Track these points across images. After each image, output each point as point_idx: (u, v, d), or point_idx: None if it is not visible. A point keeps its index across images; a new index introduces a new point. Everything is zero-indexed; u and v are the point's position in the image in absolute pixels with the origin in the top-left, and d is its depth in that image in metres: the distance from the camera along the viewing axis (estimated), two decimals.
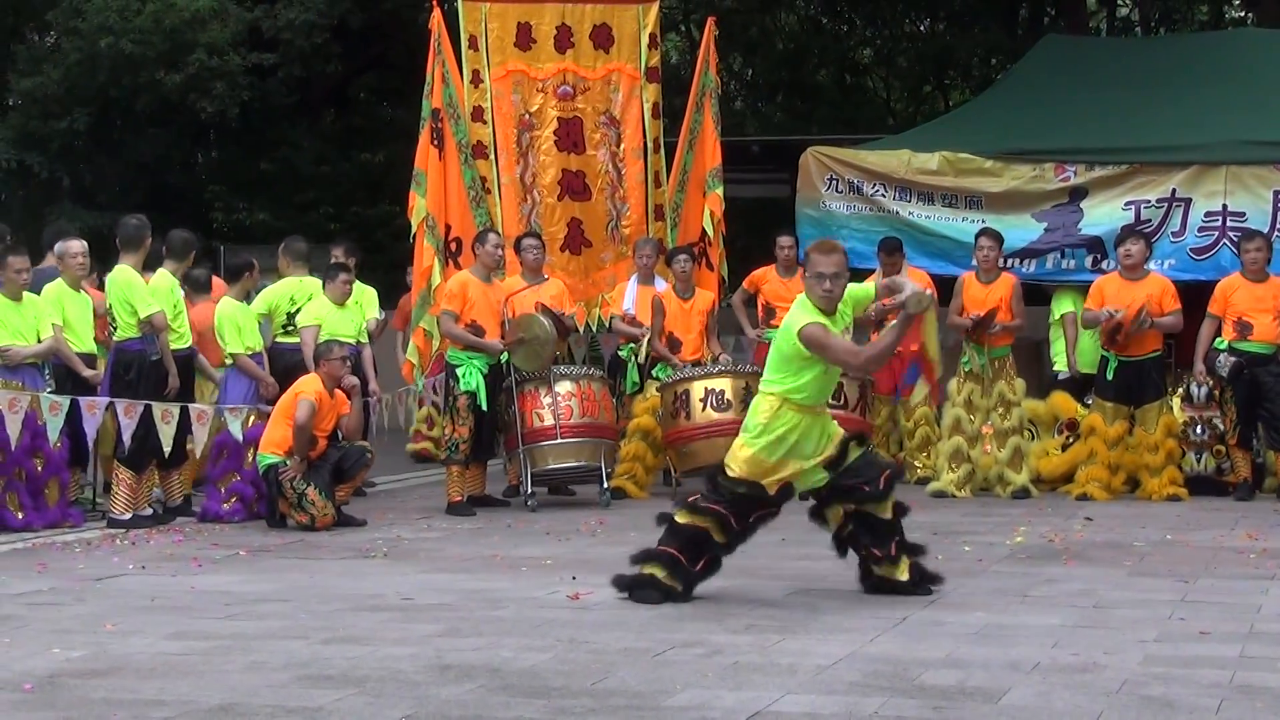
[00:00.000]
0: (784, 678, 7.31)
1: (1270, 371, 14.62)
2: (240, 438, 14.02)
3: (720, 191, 16.95)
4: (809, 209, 17.83)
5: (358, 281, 15.73)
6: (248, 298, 15.17)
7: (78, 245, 13.86)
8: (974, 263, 15.61)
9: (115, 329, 13.52)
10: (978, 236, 15.68)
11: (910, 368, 15.88)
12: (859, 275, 16.80)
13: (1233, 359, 14.63)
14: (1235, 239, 15.64)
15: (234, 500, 13.81)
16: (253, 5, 24.66)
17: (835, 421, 9.87)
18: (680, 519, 9.53)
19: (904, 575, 9.62)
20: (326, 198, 26.60)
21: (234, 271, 15.27)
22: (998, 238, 15.58)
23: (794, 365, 9.41)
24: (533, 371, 14.47)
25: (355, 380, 14.09)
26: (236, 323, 14.57)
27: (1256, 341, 14.64)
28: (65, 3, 23.69)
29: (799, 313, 9.47)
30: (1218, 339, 14.77)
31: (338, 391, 13.62)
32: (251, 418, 14.12)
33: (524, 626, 8.60)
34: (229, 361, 14.54)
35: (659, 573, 9.38)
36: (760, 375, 14.99)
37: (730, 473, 9.55)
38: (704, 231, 16.91)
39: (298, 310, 15.23)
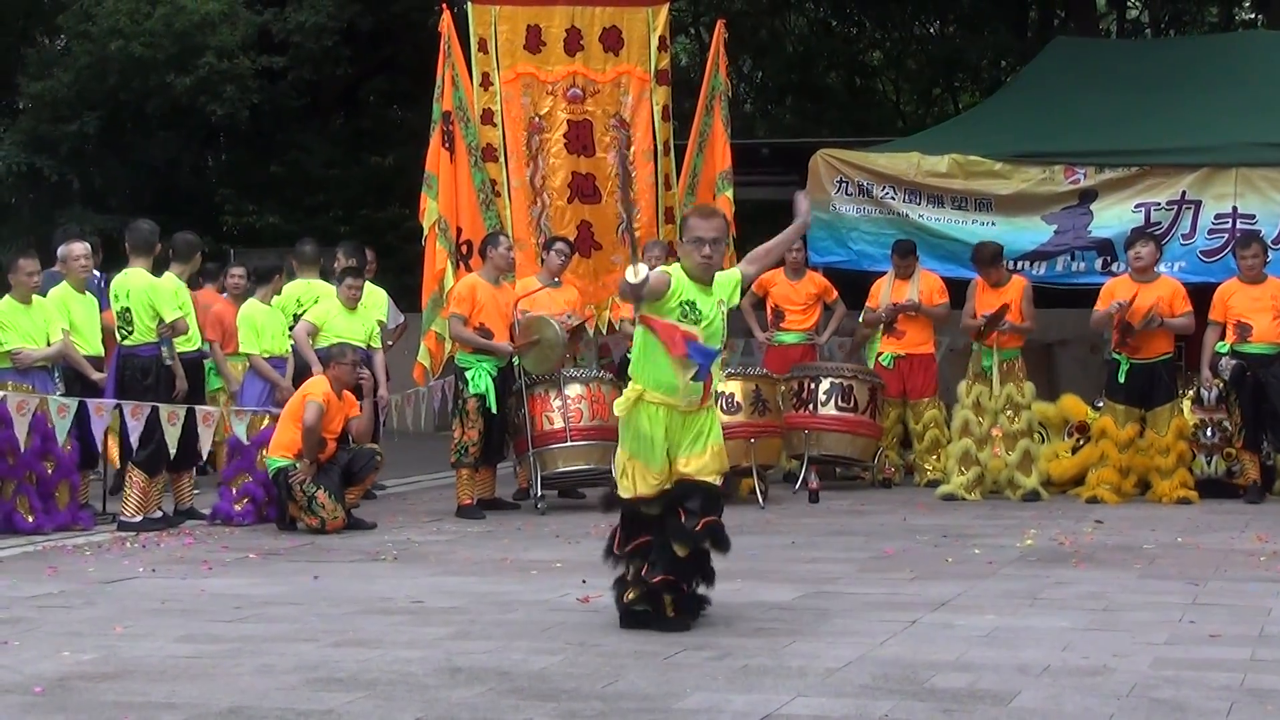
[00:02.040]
0: (794, 680, 7.31)
1: (1273, 373, 14.61)
2: (245, 440, 14.04)
3: (730, 194, 16.96)
4: (819, 211, 17.75)
5: (369, 284, 15.74)
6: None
7: (80, 247, 13.88)
8: None
9: (130, 332, 13.50)
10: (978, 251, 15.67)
11: None
12: (869, 278, 16.95)
13: (1234, 362, 14.63)
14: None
15: (245, 501, 13.81)
16: (262, 8, 24.69)
17: (718, 426, 8.98)
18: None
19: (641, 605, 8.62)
20: (336, 200, 26.62)
21: (263, 275, 15.31)
22: (996, 253, 15.54)
23: (649, 348, 8.71)
24: (542, 374, 14.47)
25: (368, 372, 14.09)
26: (255, 325, 14.60)
27: (1257, 343, 14.63)
28: (75, 6, 23.72)
29: (663, 267, 8.91)
30: (1219, 343, 14.76)
31: (346, 393, 13.62)
32: (265, 420, 14.11)
33: (534, 629, 8.60)
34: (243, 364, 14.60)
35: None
36: (769, 378, 15.14)
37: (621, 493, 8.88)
38: None
39: (305, 313, 15.24)
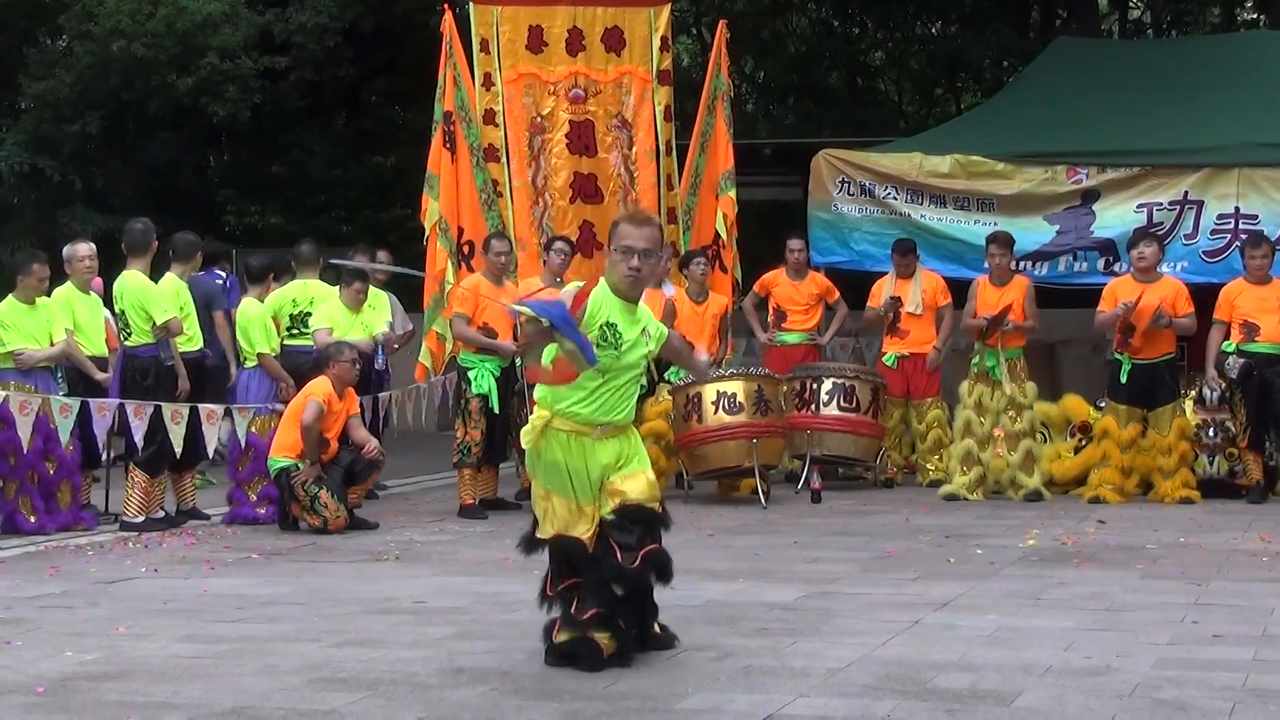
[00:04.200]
0: (796, 681, 7.31)
1: (1279, 373, 14.61)
2: (244, 439, 14.04)
3: (733, 194, 16.95)
4: (821, 212, 17.84)
5: (374, 289, 15.75)
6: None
7: (85, 248, 13.90)
8: (986, 265, 15.59)
9: (128, 334, 13.54)
10: (988, 242, 15.64)
11: None
12: (871, 277, 16.95)
13: (1242, 361, 14.61)
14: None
15: (267, 504, 13.83)
16: (264, 9, 24.67)
17: (645, 453, 8.08)
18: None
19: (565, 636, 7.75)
20: (338, 201, 26.61)
21: (256, 274, 15.30)
22: (1008, 243, 15.53)
23: None
24: None
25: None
26: (264, 325, 14.61)
27: (1264, 343, 14.61)
28: (77, 7, 23.69)
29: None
30: (1225, 342, 14.75)
31: (349, 391, 13.63)
32: (273, 420, 14.10)
33: (536, 630, 8.55)
34: (249, 362, 14.59)
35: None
36: (772, 378, 15.14)
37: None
38: (717, 234, 16.93)
39: (301, 314, 15.23)
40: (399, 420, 17.00)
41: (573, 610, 7.71)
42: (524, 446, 7.90)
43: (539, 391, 7.84)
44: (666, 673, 7.47)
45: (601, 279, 7.82)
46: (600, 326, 7.60)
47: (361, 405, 14.14)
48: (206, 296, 15.37)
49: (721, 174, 17.01)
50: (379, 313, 15.63)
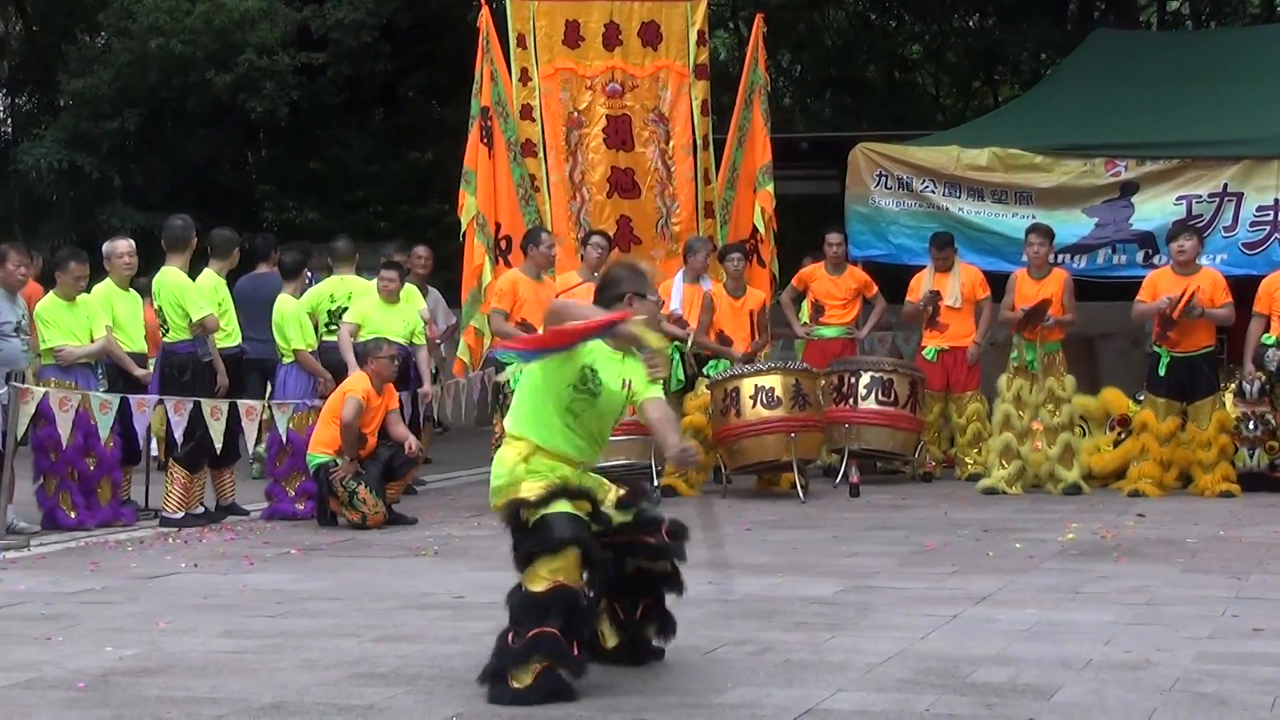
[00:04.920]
0: (835, 675, 7.30)
1: None
2: (283, 435, 14.07)
3: (771, 188, 16.92)
4: (858, 205, 17.83)
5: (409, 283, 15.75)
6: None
7: (124, 245, 13.94)
8: (1024, 259, 15.55)
9: (166, 330, 13.59)
10: (1028, 233, 15.62)
11: None
12: (908, 271, 16.92)
13: None
14: None
15: (305, 500, 13.86)
16: (301, 5, 24.71)
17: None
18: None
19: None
20: (376, 196, 26.65)
21: (290, 269, 15.31)
22: (1048, 233, 15.52)
23: (538, 395, 7.40)
24: None
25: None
26: (299, 320, 14.63)
27: None
28: (116, 4, 23.77)
29: None
30: (1265, 335, 14.68)
31: (387, 387, 13.65)
32: (311, 416, 14.12)
33: None
34: (286, 358, 14.62)
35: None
36: (810, 372, 15.12)
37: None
38: (755, 228, 16.91)
39: (338, 309, 15.26)
40: (438, 412, 16.98)
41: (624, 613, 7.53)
42: (500, 493, 7.36)
43: (516, 418, 7.41)
44: (705, 667, 7.47)
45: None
46: (581, 368, 7.29)
47: (401, 401, 14.16)
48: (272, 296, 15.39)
49: (759, 168, 16.98)
50: (413, 305, 15.58)
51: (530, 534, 7.12)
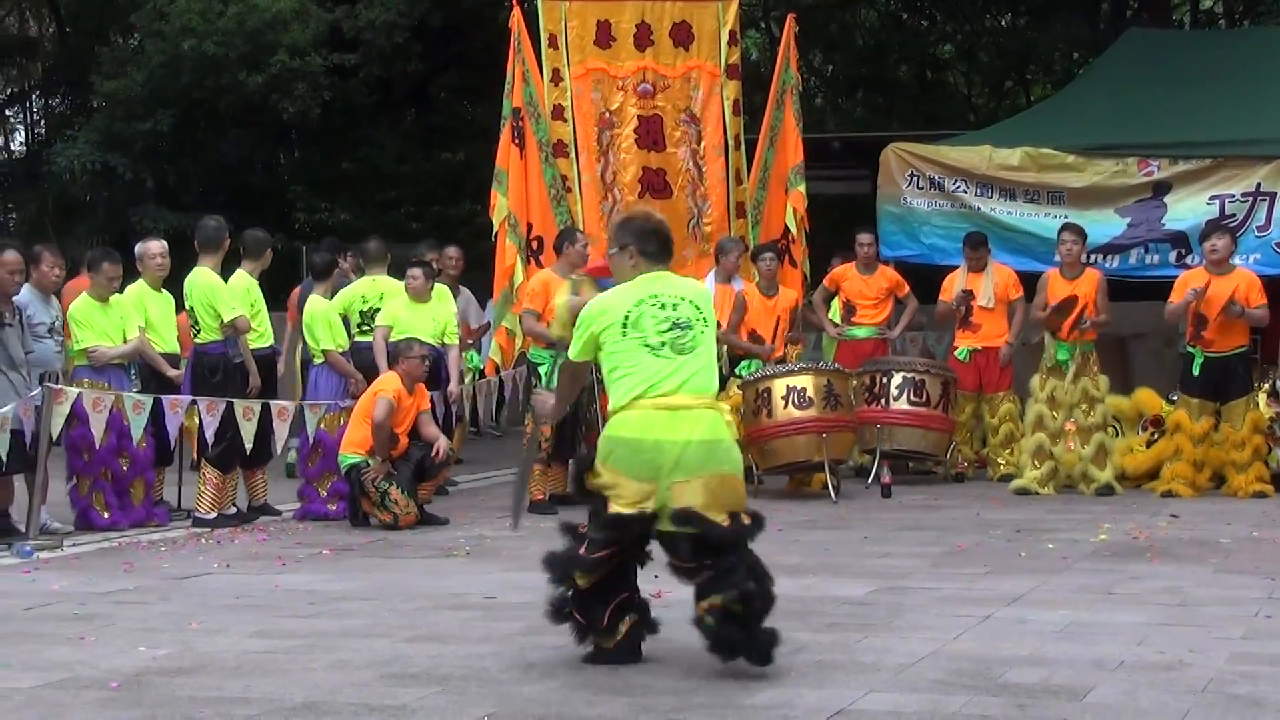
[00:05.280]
0: (866, 676, 7.30)
1: None
2: (311, 436, 14.11)
3: (803, 189, 16.92)
4: (890, 205, 17.80)
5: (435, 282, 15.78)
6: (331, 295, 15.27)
7: (157, 245, 13.98)
8: (1057, 258, 15.52)
9: (198, 331, 13.63)
10: (1060, 231, 15.60)
11: None
12: (942, 271, 16.89)
13: None
14: None
15: (337, 501, 13.88)
16: (333, 6, 24.76)
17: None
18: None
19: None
20: (408, 197, 26.68)
21: (320, 271, 15.35)
22: (1080, 232, 15.49)
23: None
24: None
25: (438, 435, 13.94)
26: (328, 321, 14.65)
27: None
28: (149, 5, 23.84)
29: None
30: None
31: (419, 387, 13.67)
32: (342, 417, 14.15)
33: None
34: (317, 359, 14.66)
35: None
36: (841, 372, 15.11)
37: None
38: (786, 228, 16.91)
39: (370, 310, 15.29)
40: (469, 414, 16.99)
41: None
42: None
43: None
44: (736, 668, 7.44)
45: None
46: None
47: (433, 400, 14.18)
48: None
49: (791, 168, 16.97)
50: (445, 305, 15.58)
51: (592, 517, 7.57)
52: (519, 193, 16.02)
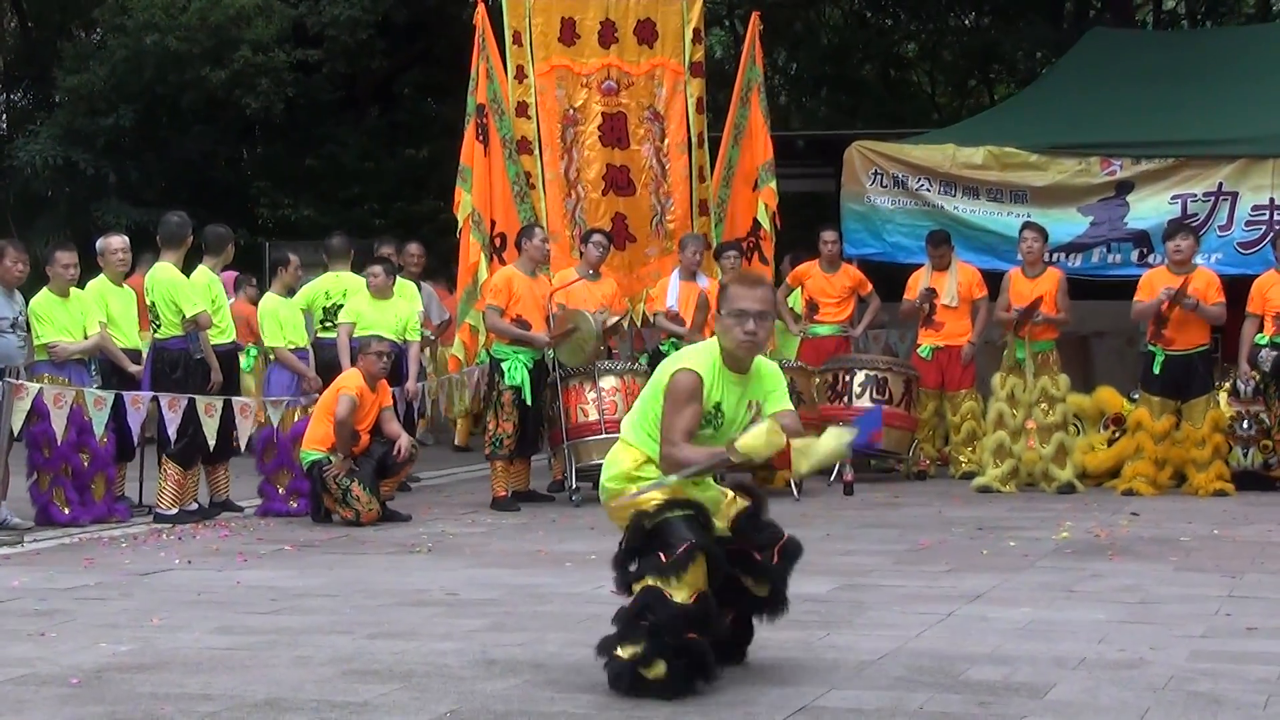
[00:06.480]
0: (828, 673, 7.30)
1: None
2: (275, 427, 14.10)
3: (774, 185, 16.97)
4: (853, 204, 17.82)
5: (400, 278, 15.77)
6: (290, 292, 15.23)
7: (118, 241, 13.94)
8: (1019, 256, 15.56)
9: (158, 326, 13.59)
10: (1021, 230, 15.65)
11: None
12: (905, 270, 16.92)
13: (1275, 353, 14.55)
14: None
15: (297, 498, 13.86)
16: (297, 2, 24.72)
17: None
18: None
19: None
20: (371, 193, 26.63)
21: (273, 266, 15.37)
22: (1041, 231, 15.55)
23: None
24: (577, 367, 14.48)
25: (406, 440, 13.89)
26: (278, 317, 14.66)
27: None
28: (112, 0, 23.77)
29: (691, 355, 7.32)
30: (1259, 335, 14.68)
31: (381, 383, 13.65)
32: (297, 413, 14.16)
33: (568, 621, 8.60)
34: (270, 357, 14.66)
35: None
36: (804, 370, 15.11)
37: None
38: (753, 226, 16.95)
39: (334, 306, 15.29)
40: (430, 409, 16.97)
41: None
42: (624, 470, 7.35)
43: (629, 429, 7.42)
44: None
45: (710, 342, 7.36)
46: (707, 411, 7.21)
47: (394, 397, 14.16)
48: None
49: (760, 165, 17.03)
50: (409, 302, 15.60)
51: (654, 539, 7.09)
52: (483, 189, 15.99)
